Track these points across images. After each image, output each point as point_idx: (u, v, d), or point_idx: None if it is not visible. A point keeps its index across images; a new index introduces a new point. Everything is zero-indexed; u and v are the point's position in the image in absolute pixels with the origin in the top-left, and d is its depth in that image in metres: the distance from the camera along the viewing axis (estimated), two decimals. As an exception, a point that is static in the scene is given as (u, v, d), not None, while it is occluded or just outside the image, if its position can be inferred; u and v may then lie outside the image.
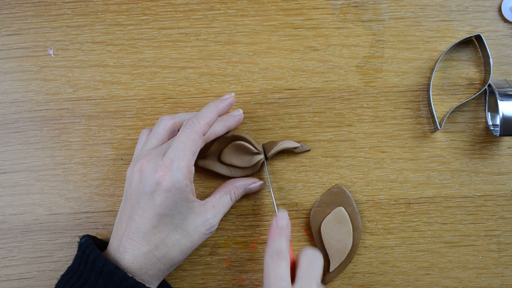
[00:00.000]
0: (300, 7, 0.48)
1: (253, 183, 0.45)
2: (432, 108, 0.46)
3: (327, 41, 0.47)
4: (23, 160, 0.47)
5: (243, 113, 0.46)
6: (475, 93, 0.47)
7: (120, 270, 0.37)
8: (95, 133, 0.47)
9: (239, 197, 0.45)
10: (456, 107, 0.46)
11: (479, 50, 0.47)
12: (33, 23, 0.47)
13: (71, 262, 0.46)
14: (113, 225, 0.46)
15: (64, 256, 0.46)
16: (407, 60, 0.48)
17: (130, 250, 0.38)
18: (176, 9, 0.47)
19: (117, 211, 0.46)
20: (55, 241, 0.46)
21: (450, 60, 0.48)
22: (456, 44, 0.47)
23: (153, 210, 0.38)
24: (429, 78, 0.47)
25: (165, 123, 0.42)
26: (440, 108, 0.47)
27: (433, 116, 0.46)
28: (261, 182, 0.46)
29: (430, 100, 0.46)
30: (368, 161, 0.47)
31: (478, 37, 0.46)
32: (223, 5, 0.47)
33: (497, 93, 0.44)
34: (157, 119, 0.47)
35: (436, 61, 0.47)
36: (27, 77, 0.47)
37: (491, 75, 0.46)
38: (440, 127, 0.46)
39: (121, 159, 0.47)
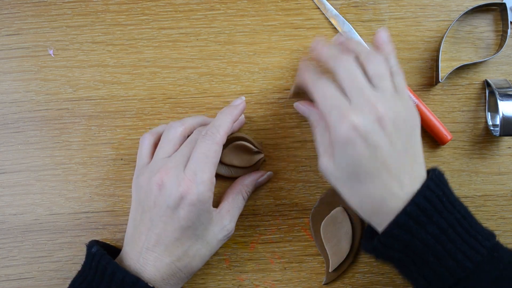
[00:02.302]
0: (300, 7, 0.48)
1: (260, 176, 0.45)
2: (439, 60, 0.46)
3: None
4: (23, 160, 0.47)
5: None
6: (485, 58, 0.47)
7: (141, 281, 0.37)
8: (95, 133, 0.47)
9: (250, 195, 0.45)
10: (462, 67, 0.46)
11: (501, 18, 0.47)
12: (33, 23, 0.47)
13: (71, 262, 0.46)
14: (113, 224, 0.46)
15: (64, 256, 0.46)
16: (407, 60, 0.47)
17: (152, 262, 0.38)
18: (176, 9, 0.47)
19: (118, 211, 0.46)
20: (55, 241, 0.46)
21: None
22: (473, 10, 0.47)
23: (176, 224, 0.38)
24: (444, 32, 0.47)
25: (176, 130, 0.41)
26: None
27: (437, 69, 0.46)
28: (268, 173, 0.46)
29: (439, 52, 0.46)
30: (368, 161, 0.47)
31: (502, 6, 0.46)
32: (223, 5, 0.47)
33: (497, 93, 0.44)
34: (157, 119, 0.47)
35: (453, 21, 0.47)
36: (27, 77, 0.47)
37: (505, 44, 0.46)
38: (441, 80, 0.46)
39: (121, 159, 0.47)
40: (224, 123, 0.40)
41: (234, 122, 0.41)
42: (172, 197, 0.37)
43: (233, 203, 0.43)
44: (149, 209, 0.39)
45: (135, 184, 0.41)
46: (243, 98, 0.43)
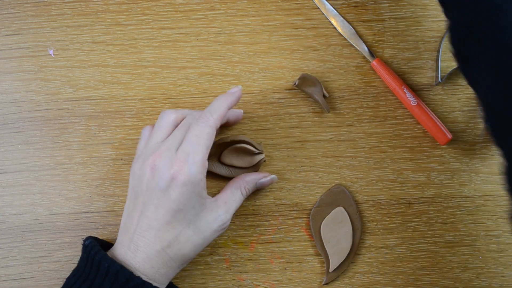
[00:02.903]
0: (300, 7, 0.48)
1: (263, 177, 0.45)
2: (439, 60, 0.46)
3: (327, 41, 0.47)
4: (23, 160, 0.47)
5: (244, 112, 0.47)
6: None
7: (125, 269, 0.36)
8: (95, 133, 0.47)
9: (250, 192, 0.44)
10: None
11: None
12: (33, 23, 0.47)
13: (71, 262, 0.46)
14: (113, 224, 0.46)
15: (64, 256, 0.46)
16: (407, 60, 0.48)
17: (142, 248, 0.38)
18: (176, 9, 0.47)
19: (117, 211, 0.46)
20: (55, 241, 0.46)
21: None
22: None
23: (167, 206, 0.38)
24: (444, 32, 0.47)
25: (168, 116, 0.41)
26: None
27: (437, 69, 0.46)
28: (272, 176, 0.46)
29: (439, 52, 0.46)
30: (368, 161, 0.47)
31: None
32: (223, 5, 0.47)
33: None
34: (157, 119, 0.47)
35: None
36: (27, 77, 0.47)
37: None
38: (441, 80, 0.46)
39: (121, 159, 0.47)
40: (218, 108, 0.40)
41: (229, 108, 0.41)
42: (164, 178, 0.37)
43: (231, 196, 0.42)
44: (142, 193, 0.39)
45: (131, 172, 0.41)
46: (240, 87, 0.43)
